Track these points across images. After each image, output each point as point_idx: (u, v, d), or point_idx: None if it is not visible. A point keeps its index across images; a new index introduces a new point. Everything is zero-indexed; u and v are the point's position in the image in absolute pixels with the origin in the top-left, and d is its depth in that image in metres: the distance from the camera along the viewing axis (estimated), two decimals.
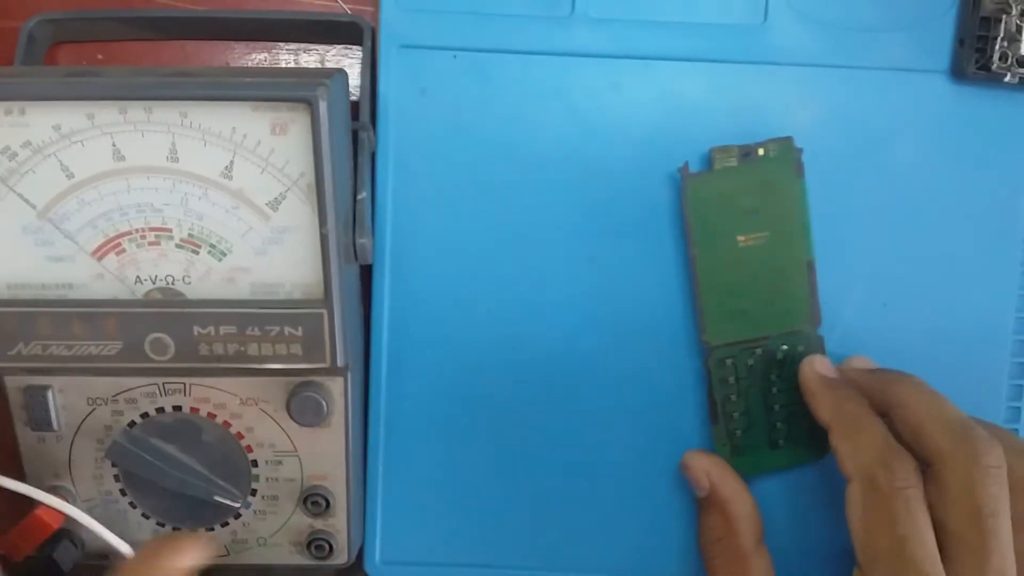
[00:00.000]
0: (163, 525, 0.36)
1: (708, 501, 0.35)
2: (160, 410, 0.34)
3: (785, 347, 0.36)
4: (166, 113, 0.30)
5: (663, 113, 0.36)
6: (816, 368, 0.34)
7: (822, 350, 0.36)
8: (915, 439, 0.31)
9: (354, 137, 0.34)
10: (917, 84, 0.36)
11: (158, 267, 0.32)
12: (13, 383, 0.34)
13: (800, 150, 0.35)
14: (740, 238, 0.35)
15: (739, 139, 0.36)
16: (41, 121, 0.30)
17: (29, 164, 0.31)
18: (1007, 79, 0.35)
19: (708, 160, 0.35)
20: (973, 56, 0.35)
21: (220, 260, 0.32)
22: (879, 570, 0.29)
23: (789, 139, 0.35)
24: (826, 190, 0.36)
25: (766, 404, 0.36)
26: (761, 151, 0.35)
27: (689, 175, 0.35)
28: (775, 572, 0.35)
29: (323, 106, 0.30)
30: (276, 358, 0.32)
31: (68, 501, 0.35)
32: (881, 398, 0.32)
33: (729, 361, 0.36)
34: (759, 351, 0.36)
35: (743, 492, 0.35)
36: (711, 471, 0.35)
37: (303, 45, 0.38)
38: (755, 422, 0.36)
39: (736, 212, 0.35)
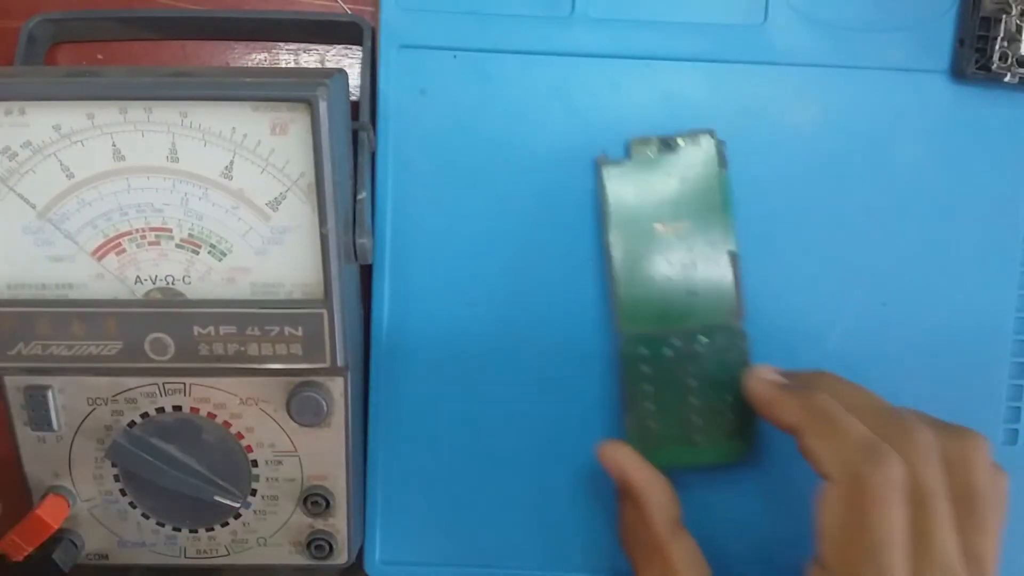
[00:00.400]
0: (163, 525, 0.36)
1: (622, 491, 0.35)
2: (160, 410, 0.34)
3: (706, 340, 0.35)
4: (166, 113, 0.30)
5: (663, 113, 0.36)
6: (763, 376, 0.34)
7: (745, 345, 0.35)
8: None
9: (354, 137, 0.34)
10: (917, 84, 0.36)
11: (158, 267, 0.32)
12: (13, 383, 0.34)
13: (722, 142, 0.35)
14: (659, 227, 0.35)
15: (739, 138, 0.36)
16: (41, 121, 0.30)
17: (29, 164, 0.31)
18: (1007, 79, 0.35)
19: (627, 151, 0.35)
20: (973, 56, 0.35)
21: (220, 260, 0.32)
22: (848, 570, 0.28)
23: (711, 131, 0.35)
24: (825, 189, 0.37)
25: (682, 397, 0.36)
26: (681, 142, 0.35)
27: (605, 163, 0.35)
28: (701, 554, 0.34)
29: (323, 106, 0.30)
30: (276, 358, 0.32)
31: (68, 501, 0.35)
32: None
33: (643, 350, 0.35)
34: (678, 343, 0.35)
35: (654, 480, 0.34)
36: (621, 460, 0.34)
37: (303, 45, 0.38)
38: (670, 415, 0.36)
39: (655, 202, 0.35)
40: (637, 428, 0.36)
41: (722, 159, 0.35)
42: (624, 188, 0.35)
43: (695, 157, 0.35)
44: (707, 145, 0.35)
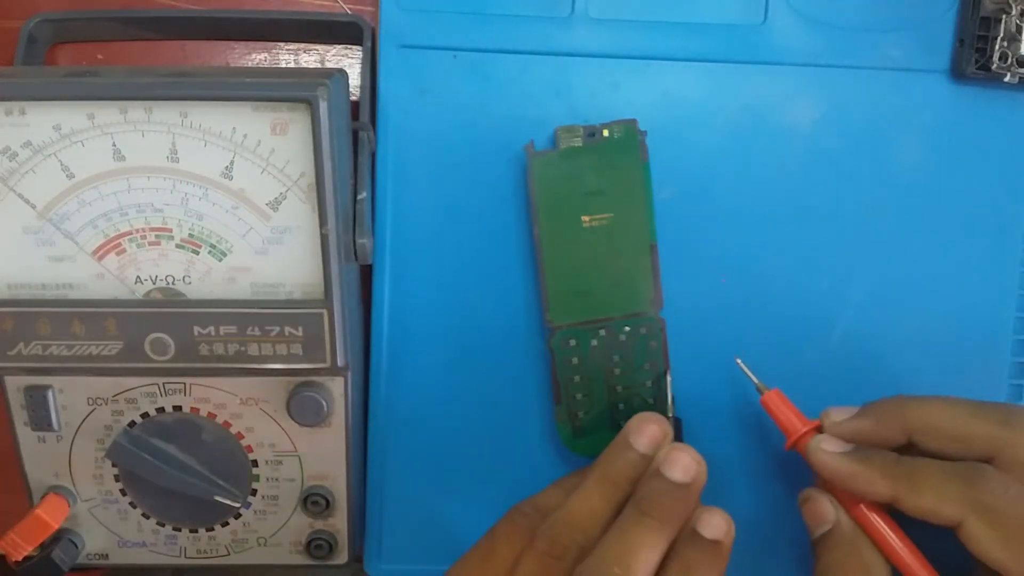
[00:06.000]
0: (163, 525, 0.36)
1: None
2: (160, 410, 0.34)
3: (628, 329, 0.36)
4: (166, 113, 0.30)
5: (663, 113, 0.36)
6: (829, 449, 0.32)
7: (663, 334, 0.36)
8: (952, 446, 0.31)
9: (354, 137, 0.34)
10: (917, 84, 0.36)
11: (158, 267, 0.32)
12: (13, 383, 0.34)
13: (644, 132, 0.35)
14: (584, 218, 0.35)
15: (739, 138, 0.36)
16: (41, 121, 0.30)
17: (29, 164, 0.31)
18: (1007, 79, 0.35)
19: (553, 139, 0.35)
20: (973, 56, 0.35)
21: (220, 260, 0.32)
22: None
23: (633, 121, 0.35)
24: (826, 189, 0.37)
25: (608, 386, 0.36)
26: (606, 132, 0.35)
27: (534, 153, 0.35)
28: None
29: (323, 106, 0.30)
30: (276, 358, 0.32)
31: (68, 501, 0.35)
32: (897, 430, 0.32)
33: (573, 342, 0.36)
34: (602, 333, 0.36)
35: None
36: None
37: (303, 45, 0.38)
38: (597, 403, 0.36)
39: (581, 192, 0.35)
40: (568, 419, 0.36)
41: (644, 150, 0.35)
42: (552, 178, 0.35)
43: (618, 147, 0.35)
44: (629, 135, 0.35)
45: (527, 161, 0.35)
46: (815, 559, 0.32)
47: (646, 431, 0.32)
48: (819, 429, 0.33)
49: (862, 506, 0.31)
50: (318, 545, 0.36)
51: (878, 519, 0.31)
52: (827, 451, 0.32)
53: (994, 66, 0.35)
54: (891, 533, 0.31)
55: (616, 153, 0.35)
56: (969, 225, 0.37)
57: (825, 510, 0.32)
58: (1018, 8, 0.35)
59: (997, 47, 0.35)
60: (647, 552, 0.29)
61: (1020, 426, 0.31)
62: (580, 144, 0.35)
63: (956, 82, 0.36)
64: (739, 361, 0.35)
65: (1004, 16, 0.35)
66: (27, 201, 0.31)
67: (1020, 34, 0.35)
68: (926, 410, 0.32)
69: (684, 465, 0.31)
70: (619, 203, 0.35)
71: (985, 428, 0.31)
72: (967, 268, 0.37)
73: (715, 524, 0.30)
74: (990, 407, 0.31)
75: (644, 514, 0.30)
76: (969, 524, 0.29)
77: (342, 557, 0.37)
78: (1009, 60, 0.35)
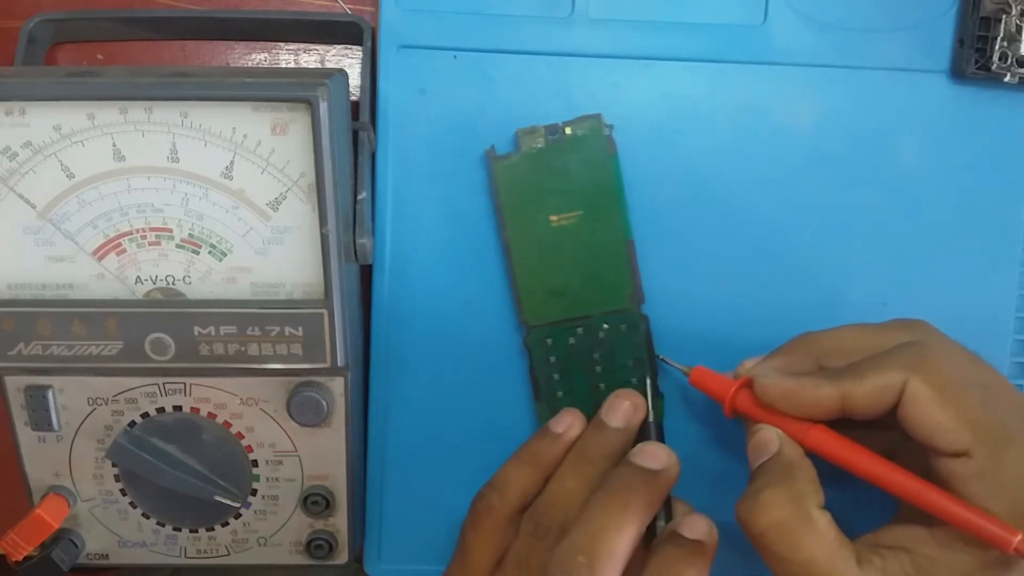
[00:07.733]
0: (163, 525, 0.36)
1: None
2: (160, 410, 0.34)
3: (607, 326, 0.36)
4: (166, 113, 0.30)
5: (663, 113, 0.36)
6: (772, 376, 0.32)
7: (647, 329, 0.36)
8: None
9: (354, 137, 0.34)
10: (917, 84, 0.36)
11: (158, 267, 0.32)
12: (13, 383, 0.34)
13: (610, 126, 0.35)
14: (552, 218, 0.35)
15: (740, 138, 0.36)
16: (41, 121, 0.30)
17: (30, 164, 0.31)
18: (1007, 79, 0.35)
19: (515, 142, 0.35)
20: (973, 56, 0.35)
21: (220, 260, 0.32)
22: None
23: (598, 116, 0.35)
24: (826, 190, 0.37)
25: (590, 383, 0.36)
26: (568, 130, 0.35)
27: (495, 158, 0.35)
28: None
29: (323, 106, 0.30)
30: (276, 358, 0.32)
31: (68, 501, 0.35)
32: (809, 358, 0.32)
33: (549, 340, 0.36)
34: (580, 330, 0.36)
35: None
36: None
37: (303, 45, 0.38)
38: (579, 400, 0.36)
39: (547, 192, 0.35)
40: (548, 415, 0.36)
41: (611, 145, 0.35)
42: (516, 181, 0.35)
43: (583, 144, 0.35)
44: (595, 131, 0.35)
45: (488, 166, 0.35)
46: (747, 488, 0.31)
47: (619, 407, 0.34)
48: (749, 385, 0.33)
49: (814, 430, 0.31)
50: (318, 545, 0.36)
51: (836, 436, 0.31)
52: (771, 377, 0.32)
53: (994, 66, 0.35)
54: (854, 445, 0.31)
55: (582, 150, 0.35)
56: (969, 225, 0.37)
57: (770, 439, 0.31)
58: (1018, 8, 0.35)
59: (997, 47, 0.35)
60: (611, 536, 0.30)
61: (920, 329, 0.32)
62: (542, 145, 0.35)
63: (956, 82, 0.36)
64: (661, 356, 0.36)
65: (1004, 16, 0.35)
66: (27, 201, 0.31)
67: (1020, 34, 0.35)
68: (832, 334, 0.33)
69: (653, 454, 0.32)
70: (588, 200, 0.35)
71: (891, 337, 0.31)
72: (967, 268, 0.37)
73: (696, 524, 0.31)
74: (890, 322, 0.32)
75: (610, 493, 0.31)
76: (912, 386, 0.29)
77: (342, 557, 0.37)
78: (1009, 60, 0.35)
